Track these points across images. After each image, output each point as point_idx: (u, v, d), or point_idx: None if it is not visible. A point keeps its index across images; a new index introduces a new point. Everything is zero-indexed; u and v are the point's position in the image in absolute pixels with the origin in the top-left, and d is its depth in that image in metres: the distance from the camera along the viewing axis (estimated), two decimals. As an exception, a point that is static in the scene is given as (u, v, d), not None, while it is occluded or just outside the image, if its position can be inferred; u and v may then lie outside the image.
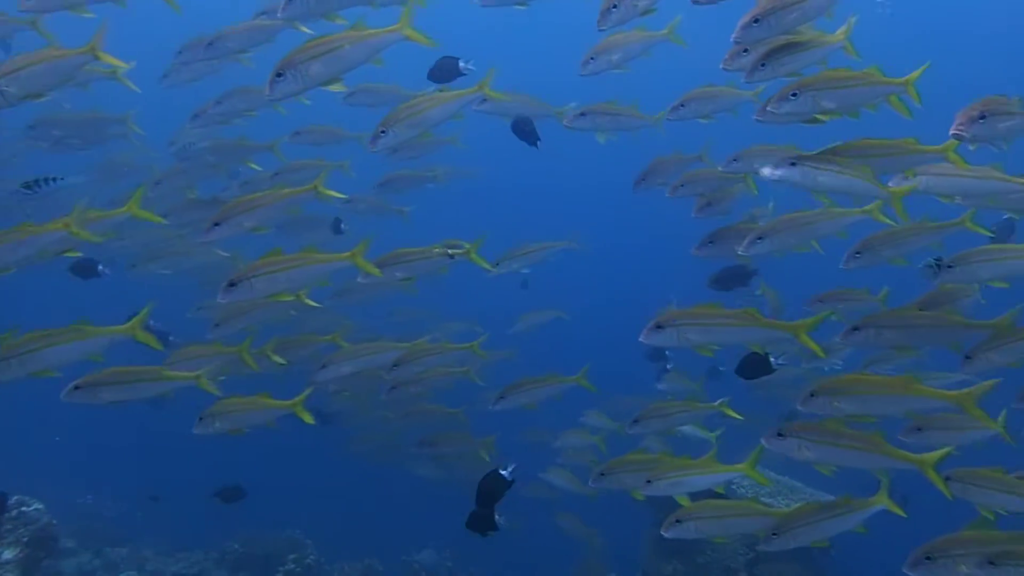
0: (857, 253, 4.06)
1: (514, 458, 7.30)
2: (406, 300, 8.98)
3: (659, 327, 3.61)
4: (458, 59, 4.86)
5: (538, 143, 5.12)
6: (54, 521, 5.93)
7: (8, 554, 5.45)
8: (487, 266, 4.49)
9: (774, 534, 3.72)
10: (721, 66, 3.67)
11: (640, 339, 3.65)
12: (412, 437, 6.44)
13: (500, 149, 7.59)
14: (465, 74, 4.87)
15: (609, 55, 4.47)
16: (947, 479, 3.55)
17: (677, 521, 3.81)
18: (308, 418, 4.06)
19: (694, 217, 4.91)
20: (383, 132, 3.72)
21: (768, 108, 3.27)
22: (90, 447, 10.65)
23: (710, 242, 4.57)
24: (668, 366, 7.02)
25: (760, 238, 3.97)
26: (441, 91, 4.01)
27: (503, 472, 4.10)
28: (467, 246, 4.39)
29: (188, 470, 11.94)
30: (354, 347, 4.79)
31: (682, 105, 4.44)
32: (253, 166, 5.85)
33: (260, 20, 4.83)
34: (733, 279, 5.42)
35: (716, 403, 4.64)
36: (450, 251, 4.27)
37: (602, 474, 4.15)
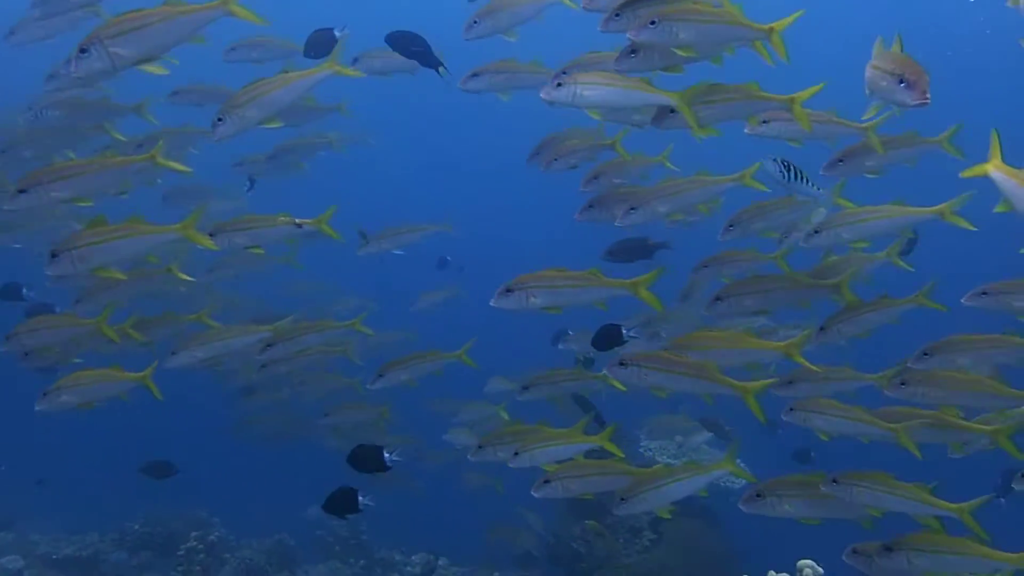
0: (730, 226, 4.26)
1: (421, 430, 7.32)
2: (306, 275, 8.90)
3: (508, 291, 3.68)
4: (332, 29, 4.66)
5: (441, 68, 4.74)
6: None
7: None
8: (337, 236, 4.22)
9: (622, 499, 3.90)
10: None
11: (490, 303, 3.68)
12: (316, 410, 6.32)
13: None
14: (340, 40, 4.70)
15: (495, 19, 4.21)
16: (791, 409, 3.89)
17: (546, 482, 4.00)
18: (157, 392, 3.96)
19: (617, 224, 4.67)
20: (220, 120, 3.45)
21: (629, 35, 3.23)
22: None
23: (590, 206, 4.45)
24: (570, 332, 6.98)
25: (633, 208, 4.00)
26: (286, 71, 3.68)
27: (387, 455, 4.28)
28: (321, 216, 4.16)
29: (82, 450, 11.47)
30: (209, 332, 4.49)
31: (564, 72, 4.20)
32: (117, 135, 5.07)
33: None
34: (632, 252, 5.20)
35: (602, 373, 4.61)
36: (297, 220, 4.04)
37: (479, 447, 4.35)
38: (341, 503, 4.28)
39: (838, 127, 3.82)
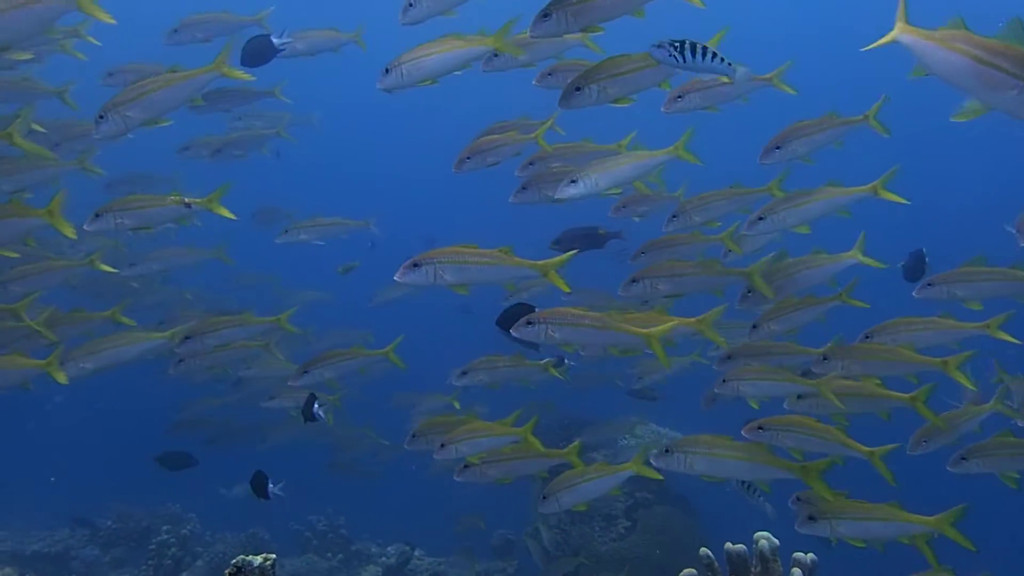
0: (673, 216, 4.41)
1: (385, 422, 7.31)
2: (257, 267, 8.89)
3: (416, 265, 3.55)
4: (270, 36, 4.59)
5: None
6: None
7: None
8: (230, 215, 4.10)
9: (544, 497, 4.05)
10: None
11: (395, 277, 3.57)
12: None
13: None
14: (282, 51, 4.62)
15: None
16: (724, 382, 4.17)
17: (465, 467, 4.17)
18: (61, 378, 3.88)
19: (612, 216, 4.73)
20: (102, 118, 3.46)
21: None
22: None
23: (524, 188, 4.38)
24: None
25: (574, 181, 3.97)
26: (173, 70, 3.66)
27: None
28: (212, 195, 4.05)
29: (52, 448, 11.28)
30: (99, 341, 4.31)
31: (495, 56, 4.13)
32: (36, 127, 4.55)
33: None
34: (582, 241, 5.01)
35: (542, 362, 4.71)
36: (187, 200, 3.95)
37: (413, 436, 4.44)
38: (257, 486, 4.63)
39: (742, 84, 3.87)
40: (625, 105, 3.81)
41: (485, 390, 7.03)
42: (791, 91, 4.15)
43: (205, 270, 6.45)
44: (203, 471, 10.11)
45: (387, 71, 3.73)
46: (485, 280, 3.66)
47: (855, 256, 4.28)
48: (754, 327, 4.31)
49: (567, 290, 3.73)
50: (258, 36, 4.69)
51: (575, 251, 3.79)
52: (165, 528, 7.63)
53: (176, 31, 5.06)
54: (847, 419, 4.14)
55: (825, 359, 4.04)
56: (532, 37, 3.53)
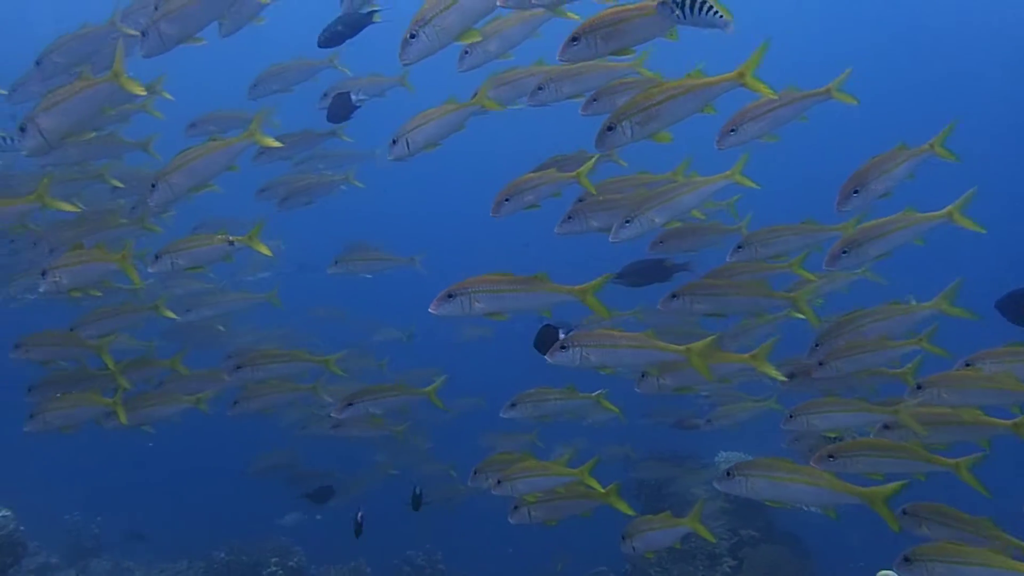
0: (739, 248, 4.21)
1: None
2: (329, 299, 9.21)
3: (450, 296, 3.51)
4: (350, 93, 4.75)
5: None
6: (21, 527, 5.89)
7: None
8: (267, 252, 4.28)
9: (622, 539, 4.16)
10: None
11: (430, 310, 3.54)
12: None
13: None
14: (359, 107, 4.79)
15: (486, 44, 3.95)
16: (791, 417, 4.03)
17: (515, 508, 4.22)
18: (123, 417, 4.25)
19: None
20: (153, 186, 3.79)
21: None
22: (67, 461, 10.69)
23: (569, 218, 4.13)
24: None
25: (628, 221, 3.81)
26: (213, 139, 3.92)
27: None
28: (251, 232, 4.21)
29: (170, 481, 12.00)
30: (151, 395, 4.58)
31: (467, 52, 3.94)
32: (113, 183, 4.95)
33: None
34: (647, 275, 4.75)
35: (594, 394, 4.57)
36: (231, 238, 4.13)
37: (475, 472, 4.41)
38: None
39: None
40: (665, 141, 3.61)
41: (586, 427, 7.01)
42: (852, 101, 3.75)
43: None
44: (298, 506, 10.55)
45: (394, 142, 3.76)
46: (520, 308, 3.60)
47: (939, 306, 3.99)
48: (820, 364, 4.06)
49: (606, 316, 3.66)
50: (340, 94, 4.91)
51: (611, 275, 3.72)
52: (274, 560, 7.90)
53: (255, 85, 5.31)
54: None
55: (920, 388, 3.74)
56: (561, 61, 3.42)
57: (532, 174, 4.08)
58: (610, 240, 3.83)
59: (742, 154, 3.92)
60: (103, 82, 3.57)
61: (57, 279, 3.95)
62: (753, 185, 3.99)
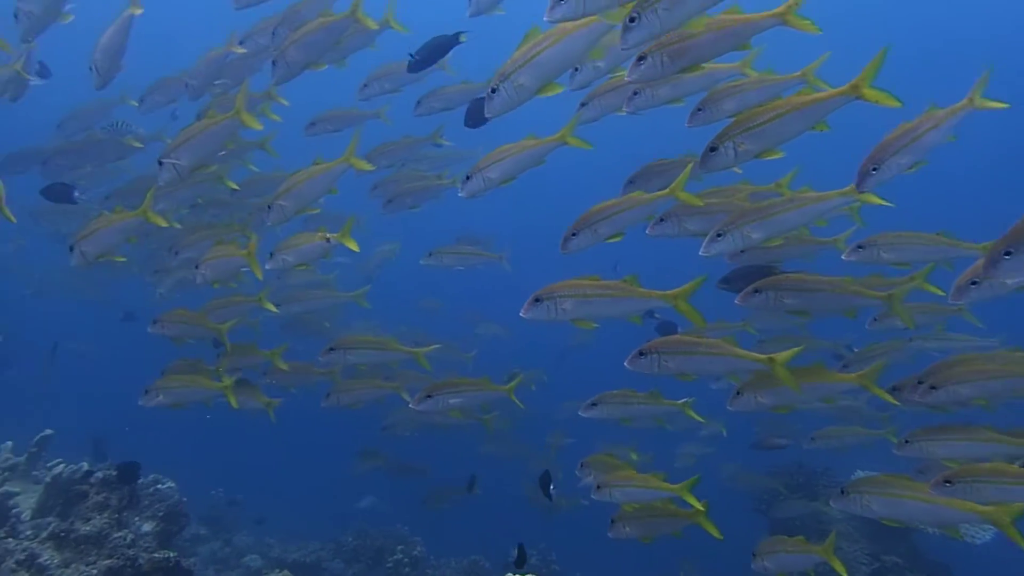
0: (859, 247, 3.94)
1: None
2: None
3: (537, 300, 3.46)
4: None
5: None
6: (184, 499, 6.41)
7: (147, 527, 5.94)
8: (355, 247, 4.35)
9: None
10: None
11: (520, 314, 3.49)
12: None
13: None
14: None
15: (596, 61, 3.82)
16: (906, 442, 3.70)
17: (613, 522, 4.18)
18: (234, 402, 4.49)
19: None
20: (268, 208, 4.15)
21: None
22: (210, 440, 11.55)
23: (662, 220, 3.90)
24: None
25: (720, 235, 3.56)
26: (317, 163, 4.15)
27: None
28: (344, 229, 4.35)
29: (307, 464, 12.72)
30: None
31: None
32: (231, 184, 5.22)
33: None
34: (754, 279, 4.43)
35: (680, 401, 4.36)
36: (328, 235, 4.29)
37: (582, 465, 4.45)
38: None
39: None
40: (775, 156, 3.35)
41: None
42: (1000, 106, 3.25)
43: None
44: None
45: (468, 178, 3.71)
46: (609, 314, 3.51)
47: None
48: (932, 388, 3.58)
49: (701, 323, 3.48)
50: (476, 100, 5.06)
51: (703, 278, 3.50)
52: (400, 548, 8.21)
53: (365, 86, 5.50)
54: None
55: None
56: (630, 81, 3.30)
57: (611, 202, 3.67)
58: (700, 253, 3.64)
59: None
60: (227, 119, 4.03)
61: (204, 272, 4.45)
62: (881, 202, 3.58)
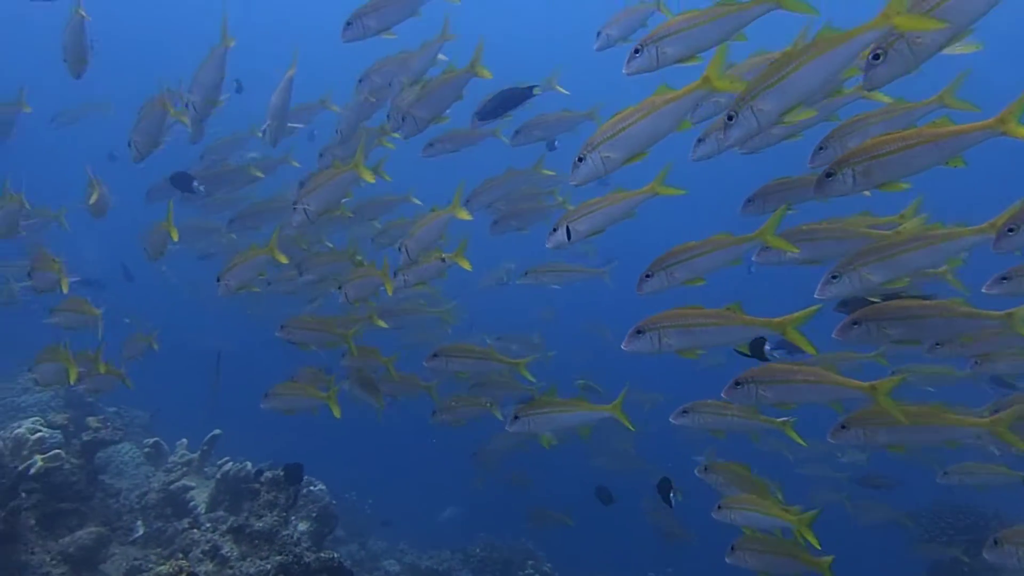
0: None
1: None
2: None
3: (639, 332, 3.34)
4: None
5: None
6: (334, 501, 6.74)
7: (303, 526, 6.30)
8: (468, 266, 4.45)
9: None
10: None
11: (622, 347, 3.36)
12: None
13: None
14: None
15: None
16: None
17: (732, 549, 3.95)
18: (337, 411, 4.53)
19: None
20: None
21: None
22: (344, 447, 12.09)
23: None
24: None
25: (835, 277, 3.22)
26: (435, 210, 4.41)
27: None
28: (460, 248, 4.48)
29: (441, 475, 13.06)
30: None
31: None
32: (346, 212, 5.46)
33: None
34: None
35: (780, 420, 4.03)
36: (443, 256, 4.44)
37: (705, 468, 4.33)
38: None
39: None
40: (899, 189, 3.08)
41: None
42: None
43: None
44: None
45: (555, 230, 3.64)
46: (714, 343, 3.36)
47: None
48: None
49: (812, 351, 3.21)
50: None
51: (818, 307, 3.23)
52: (530, 563, 8.23)
53: (518, 133, 5.50)
54: None
55: None
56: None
57: (691, 245, 3.45)
58: (816, 297, 3.31)
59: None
60: (348, 171, 4.35)
61: (348, 292, 4.76)
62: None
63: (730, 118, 2.87)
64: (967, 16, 2.59)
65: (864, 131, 3.23)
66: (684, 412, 3.99)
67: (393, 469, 13.31)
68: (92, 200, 5.08)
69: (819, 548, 3.73)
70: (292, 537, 4.96)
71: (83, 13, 4.50)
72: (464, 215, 4.45)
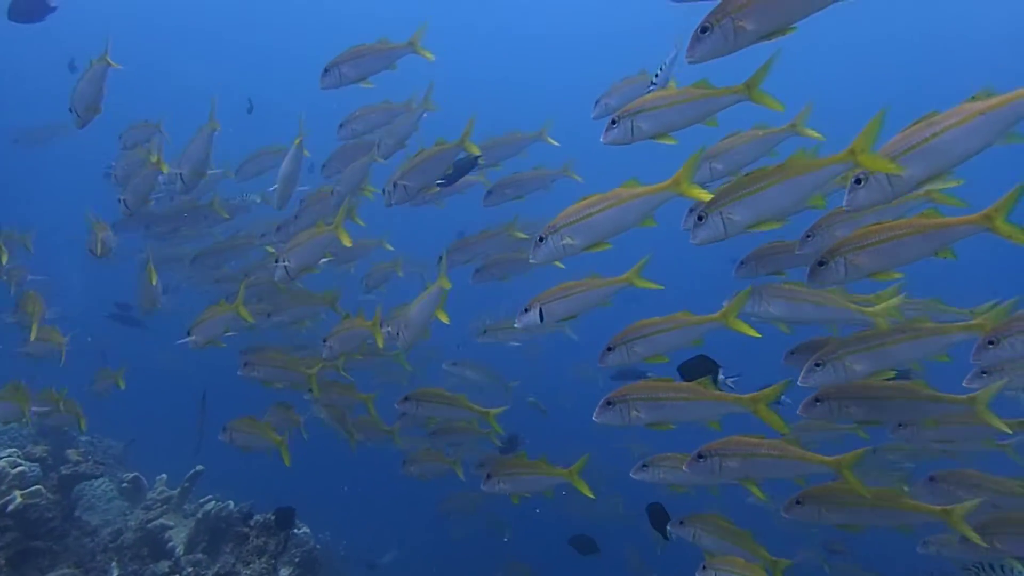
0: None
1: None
2: None
3: (609, 404, 3.38)
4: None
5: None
6: (318, 546, 6.52)
7: (284, 572, 6.07)
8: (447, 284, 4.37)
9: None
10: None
11: (594, 418, 3.41)
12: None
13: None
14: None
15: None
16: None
17: None
18: (287, 459, 4.58)
19: None
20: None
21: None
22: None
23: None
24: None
25: (818, 365, 3.25)
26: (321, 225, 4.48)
27: None
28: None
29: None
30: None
31: None
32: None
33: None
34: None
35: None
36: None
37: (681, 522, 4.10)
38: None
39: None
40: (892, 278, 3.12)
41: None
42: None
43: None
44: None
45: (527, 310, 3.60)
46: (684, 418, 3.39)
47: None
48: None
49: (784, 430, 3.21)
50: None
51: (787, 383, 3.25)
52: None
53: (490, 193, 5.54)
54: None
55: None
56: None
57: (654, 321, 3.45)
58: (800, 384, 3.31)
59: None
60: (328, 232, 4.47)
61: (331, 345, 4.70)
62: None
63: (700, 218, 2.96)
64: (936, 165, 2.65)
65: (852, 222, 3.23)
66: (644, 467, 3.93)
67: (368, 507, 13.00)
68: (96, 246, 5.00)
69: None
70: (280, 586, 4.77)
71: (110, 61, 4.43)
72: (447, 285, 4.39)
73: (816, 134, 3.71)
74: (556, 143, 5.40)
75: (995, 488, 3.69)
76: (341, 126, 5.23)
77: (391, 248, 6.04)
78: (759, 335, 3.35)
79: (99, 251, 4.96)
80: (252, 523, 5.17)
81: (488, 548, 9.66)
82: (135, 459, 8.75)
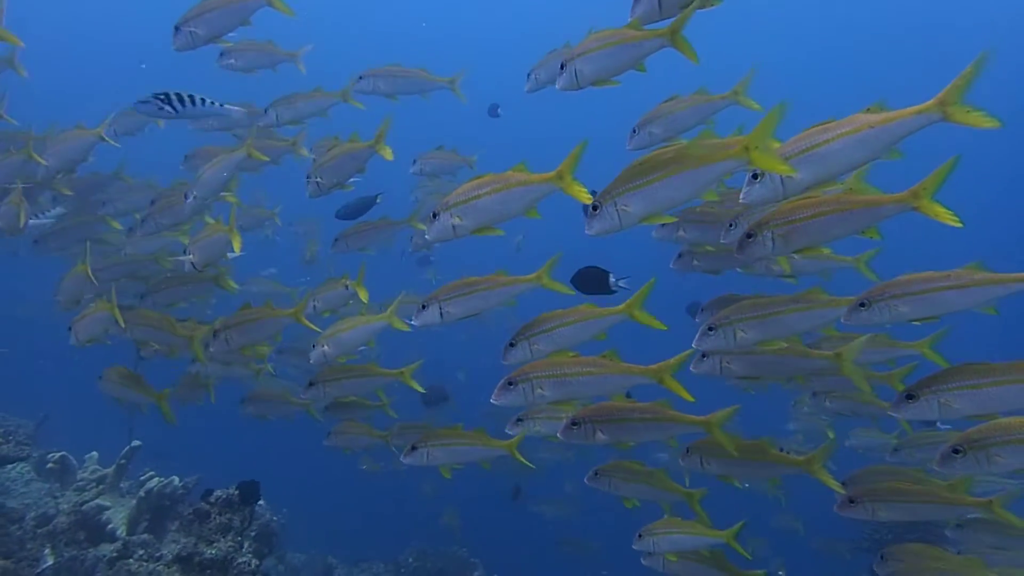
0: None
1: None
2: None
3: (510, 384, 3.23)
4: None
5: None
6: (275, 518, 6.11)
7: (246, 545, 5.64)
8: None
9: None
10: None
11: (492, 400, 3.28)
12: None
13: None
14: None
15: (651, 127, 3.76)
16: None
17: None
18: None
19: None
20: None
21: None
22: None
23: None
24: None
25: (711, 329, 3.28)
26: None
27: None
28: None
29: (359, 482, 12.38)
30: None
31: None
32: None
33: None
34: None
35: (687, 490, 3.87)
36: (348, 283, 4.45)
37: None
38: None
39: None
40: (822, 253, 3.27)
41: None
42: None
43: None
44: (484, 518, 10.67)
45: (424, 307, 3.47)
46: (590, 393, 3.30)
47: None
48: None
49: (690, 399, 3.25)
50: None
51: (690, 352, 3.28)
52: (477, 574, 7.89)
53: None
54: None
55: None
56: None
57: (557, 313, 3.33)
58: (693, 346, 3.36)
59: None
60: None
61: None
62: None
63: (594, 208, 2.80)
64: (824, 171, 2.62)
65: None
66: (595, 475, 3.80)
67: (310, 477, 12.54)
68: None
69: (749, 559, 3.70)
70: (249, 565, 4.38)
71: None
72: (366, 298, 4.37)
73: (756, 105, 3.65)
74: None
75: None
76: (266, 110, 5.08)
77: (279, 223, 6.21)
78: (666, 327, 3.26)
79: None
80: (213, 499, 4.70)
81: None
82: (46, 438, 7.95)
